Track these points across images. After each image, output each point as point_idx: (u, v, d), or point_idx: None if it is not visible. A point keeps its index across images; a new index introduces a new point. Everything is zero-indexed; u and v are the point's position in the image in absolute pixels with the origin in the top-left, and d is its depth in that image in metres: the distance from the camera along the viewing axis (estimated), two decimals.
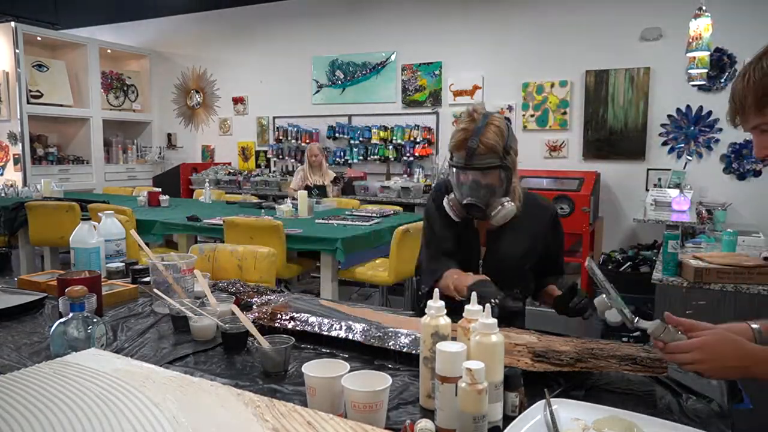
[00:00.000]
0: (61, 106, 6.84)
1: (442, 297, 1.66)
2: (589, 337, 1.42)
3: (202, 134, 7.60)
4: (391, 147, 6.20)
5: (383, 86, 6.30)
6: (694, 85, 4.72)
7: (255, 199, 5.27)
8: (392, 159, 6.22)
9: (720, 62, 4.75)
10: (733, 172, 4.85)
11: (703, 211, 4.06)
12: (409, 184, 5.63)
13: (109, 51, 7.44)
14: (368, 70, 6.37)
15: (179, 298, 1.56)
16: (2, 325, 1.55)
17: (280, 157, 6.90)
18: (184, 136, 7.75)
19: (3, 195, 5.54)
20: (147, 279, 1.87)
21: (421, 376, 1.09)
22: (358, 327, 1.41)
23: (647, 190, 4.97)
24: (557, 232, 1.83)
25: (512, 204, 1.66)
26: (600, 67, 5.24)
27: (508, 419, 0.98)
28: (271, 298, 1.69)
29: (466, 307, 1.09)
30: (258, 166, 7.10)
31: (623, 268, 4.38)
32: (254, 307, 1.60)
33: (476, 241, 1.77)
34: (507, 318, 1.61)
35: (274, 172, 6.75)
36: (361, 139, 6.32)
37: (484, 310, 1.02)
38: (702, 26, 3.37)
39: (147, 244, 1.81)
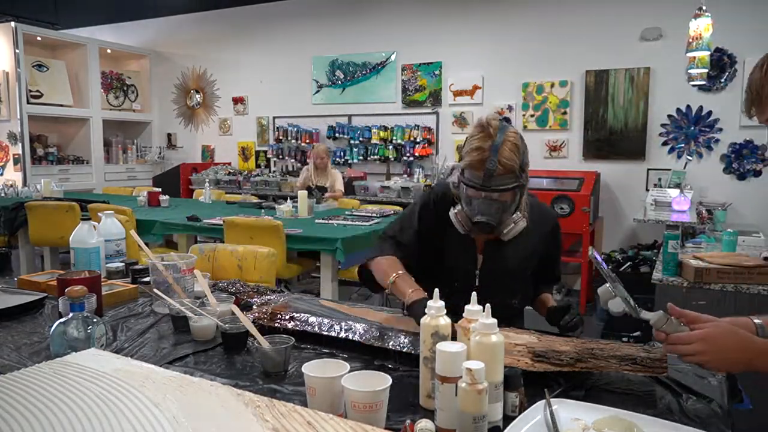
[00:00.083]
0: (61, 106, 6.85)
1: (369, 279, 1.73)
2: (589, 337, 1.42)
3: (202, 134, 7.60)
4: (391, 147, 6.20)
5: (383, 86, 6.30)
6: (694, 85, 4.72)
7: (255, 199, 5.28)
8: (392, 159, 6.22)
9: (720, 62, 4.75)
10: (733, 172, 4.85)
11: (703, 211, 4.06)
12: (409, 184, 5.63)
13: (109, 51, 7.44)
14: (368, 70, 6.37)
15: (179, 298, 1.56)
16: (2, 325, 1.55)
17: (280, 157, 6.90)
18: (184, 136, 7.75)
19: (3, 195, 5.54)
20: (147, 279, 1.87)
21: (421, 376, 1.09)
22: (358, 327, 1.41)
23: (647, 190, 4.97)
24: (557, 240, 1.80)
25: (523, 220, 1.60)
26: (600, 67, 5.24)
27: (508, 419, 0.98)
28: (271, 298, 1.69)
29: (467, 307, 1.09)
30: (258, 166, 7.10)
31: (623, 268, 4.38)
32: (254, 307, 1.60)
33: (473, 250, 1.69)
34: (507, 319, 1.60)
35: (274, 172, 6.75)
36: (361, 139, 6.32)
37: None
38: (702, 26, 3.37)
39: (147, 244, 1.81)
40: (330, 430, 0.77)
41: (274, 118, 6.98)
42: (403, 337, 1.35)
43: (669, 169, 4.99)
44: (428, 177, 5.84)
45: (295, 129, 6.73)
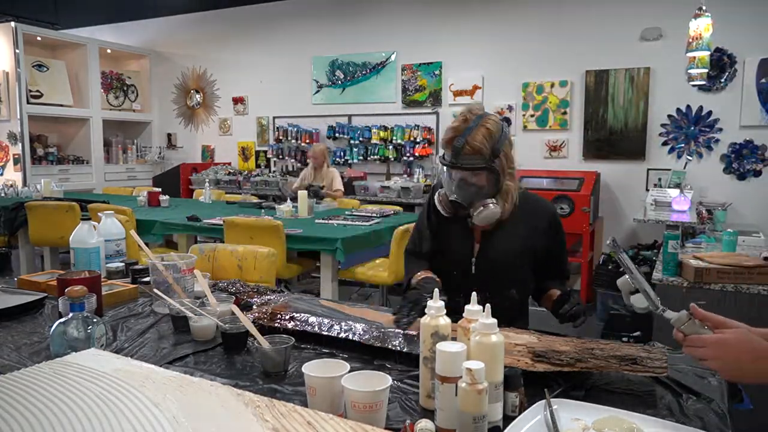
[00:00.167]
0: (61, 106, 6.85)
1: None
2: (589, 337, 1.42)
3: (202, 134, 7.60)
4: (391, 147, 6.20)
5: (383, 86, 6.30)
6: (694, 85, 4.72)
7: (255, 199, 5.28)
8: (392, 159, 6.22)
9: (720, 62, 4.75)
10: (733, 172, 4.85)
11: (703, 211, 4.06)
12: (409, 184, 5.63)
13: (109, 51, 7.44)
14: (368, 70, 6.37)
15: (179, 298, 1.56)
16: (2, 325, 1.55)
17: (280, 157, 6.90)
18: (184, 136, 7.75)
19: (3, 195, 5.54)
20: (147, 279, 1.87)
21: (421, 376, 1.09)
22: (358, 327, 1.41)
23: (647, 190, 4.97)
24: (558, 234, 1.80)
25: (496, 206, 1.63)
26: (600, 67, 5.24)
27: (508, 419, 0.98)
28: (271, 298, 1.69)
29: (467, 307, 1.09)
30: (258, 166, 7.10)
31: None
32: (254, 307, 1.60)
33: (470, 239, 1.76)
34: (507, 311, 1.61)
35: (274, 172, 6.75)
36: (361, 139, 6.32)
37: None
38: (702, 26, 3.37)
39: (147, 244, 1.81)
40: (330, 430, 0.77)
41: (274, 118, 6.98)
42: (403, 337, 1.35)
43: (669, 169, 4.99)
44: (428, 177, 5.84)
45: (295, 129, 6.73)
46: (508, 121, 5.67)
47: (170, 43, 7.67)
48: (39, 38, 6.73)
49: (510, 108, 5.65)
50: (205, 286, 1.59)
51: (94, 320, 1.26)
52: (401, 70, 6.18)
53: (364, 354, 1.34)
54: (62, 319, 1.24)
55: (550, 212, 1.80)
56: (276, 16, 6.83)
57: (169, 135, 7.85)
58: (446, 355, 0.96)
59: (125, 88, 7.77)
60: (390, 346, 1.32)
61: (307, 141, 6.60)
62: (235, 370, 1.27)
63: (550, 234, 1.76)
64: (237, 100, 7.24)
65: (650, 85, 5.08)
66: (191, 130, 7.68)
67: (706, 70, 3.77)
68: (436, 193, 1.73)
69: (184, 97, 7.64)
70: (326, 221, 3.90)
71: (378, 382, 0.97)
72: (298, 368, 1.16)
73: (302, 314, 1.49)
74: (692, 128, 4.97)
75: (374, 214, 4.15)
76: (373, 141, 6.25)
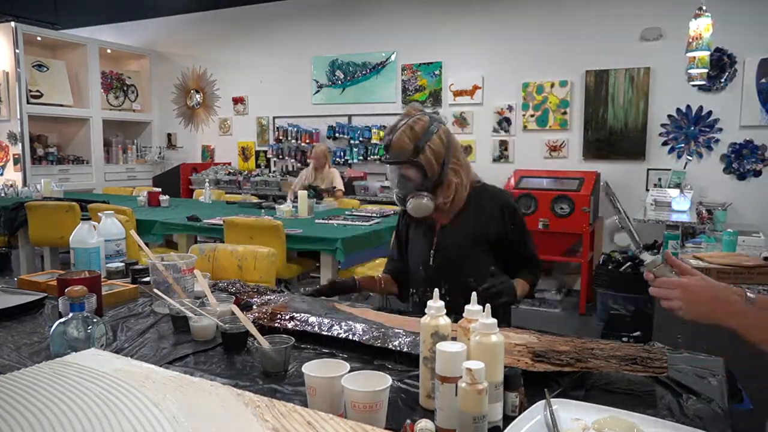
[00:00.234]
0: (61, 106, 6.85)
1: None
2: (589, 337, 1.42)
3: (202, 134, 7.60)
4: None
5: (383, 86, 6.30)
6: (694, 85, 4.72)
7: (255, 199, 5.28)
8: None
9: (720, 62, 4.75)
10: (733, 172, 4.85)
11: (703, 211, 4.06)
12: None
13: (109, 51, 7.44)
14: (368, 70, 6.37)
15: (179, 298, 1.56)
16: (2, 325, 1.55)
17: (280, 157, 6.90)
18: (184, 136, 7.75)
19: (3, 195, 5.54)
20: (147, 279, 1.87)
21: (421, 376, 1.09)
22: (359, 327, 1.41)
23: (647, 190, 4.97)
24: (514, 221, 1.86)
25: (429, 199, 1.77)
26: (600, 67, 5.24)
27: (508, 419, 0.98)
28: (271, 298, 1.69)
29: (467, 307, 1.09)
30: (258, 166, 7.10)
31: (623, 268, 4.38)
32: (254, 307, 1.60)
33: (430, 234, 1.89)
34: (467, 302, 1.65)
35: (274, 172, 6.76)
36: (361, 139, 6.32)
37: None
38: (702, 26, 3.37)
39: (147, 244, 1.81)
40: (330, 430, 0.77)
41: (274, 118, 6.98)
42: (403, 337, 1.35)
43: (669, 169, 4.99)
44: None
45: (295, 129, 6.73)
46: (507, 121, 5.67)
47: (170, 43, 7.67)
48: (39, 38, 6.73)
49: (510, 108, 5.65)
50: (205, 286, 1.59)
51: (94, 320, 1.26)
52: (401, 70, 6.18)
53: (364, 354, 1.34)
54: (62, 319, 1.24)
55: (503, 200, 1.88)
56: (276, 16, 6.83)
57: (169, 135, 7.85)
58: (446, 355, 0.96)
59: (125, 88, 7.77)
60: (390, 346, 1.32)
61: (307, 141, 6.61)
62: (235, 370, 1.27)
63: (503, 221, 1.84)
64: (237, 100, 7.24)
65: (650, 85, 5.08)
66: (191, 130, 7.68)
67: (706, 70, 3.78)
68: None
69: (184, 97, 7.64)
70: (326, 221, 3.90)
71: (378, 382, 0.97)
72: (298, 368, 1.16)
73: (302, 314, 1.49)
74: (692, 128, 4.97)
75: (374, 214, 4.15)
76: (373, 141, 6.25)
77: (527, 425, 0.95)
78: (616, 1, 5.17)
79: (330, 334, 1.41)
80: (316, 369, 1.04)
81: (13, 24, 6.26)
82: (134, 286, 1.88)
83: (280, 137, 6.83)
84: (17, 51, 6.27)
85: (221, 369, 1.28)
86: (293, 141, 6.75)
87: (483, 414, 0.90)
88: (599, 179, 5.12)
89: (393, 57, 6.23)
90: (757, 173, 4.78)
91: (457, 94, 5.91)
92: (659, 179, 4.96)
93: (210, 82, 7.42)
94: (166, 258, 1.71)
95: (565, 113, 5.43)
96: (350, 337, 1.38)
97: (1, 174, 6.48)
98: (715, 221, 3.81)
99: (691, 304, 1.12)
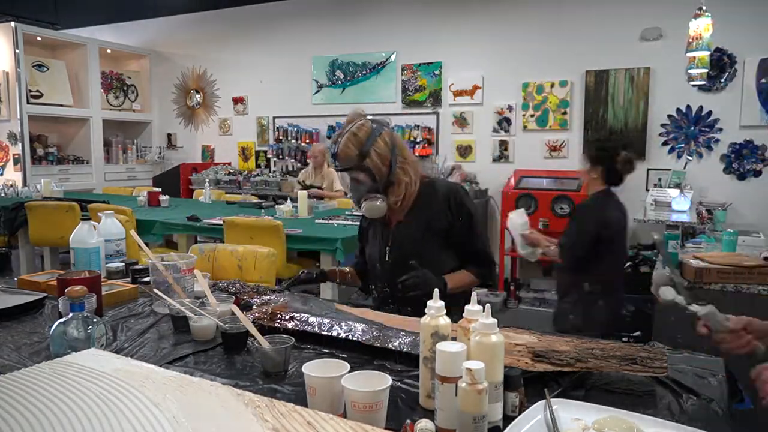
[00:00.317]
0: (61, 106, 6.84)
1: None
2: (589, 337, 1.41)
3: (202, 134, 7.59)
4: None
5: (383, 86, 6.30)
6: (694, 85, 4.72)
7: (255, 199, 5.27)
8: None
9: (720, 62, 4.75)
10: (733, 172, 4.85)
11: (703, 211, 4.06)
12: None
13: (109, 51, 7.44)
14: (368, 70, 6.37)
15: (179, 298, 1.56)
16: (2, 325, 1.55)
17: (280, 157, 6.90)
18: (184, 136, 7.75)
19: (3, 195, 5.54)
20: (147, 279, 1.87)
21: (421, 376, 1.09)
22: (359, 327, 1.41)
23: (647, 190, 4.97)
24: (460, 212, 1.87)
25: (382, 200, 1.83)
26: (600, 67, 5.24)
27: (508, 419, 0.98)
28: (271, 298, 1.69)
29: (467, 307, 1.09)
30: (258, 166, 7.10)
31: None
32: (254, 307, 1.60)
33: (386, 231, 1.96)
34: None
35: (274, 172, 6.75)
36: None
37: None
38: (702, 26, 3.37)
39: (147, 244, 1.81)
40: (330, 430, 0.77)
41: (274, 118, 6.98)
42: (403, 337, 1.35)
43: (669, 169, 4.99)
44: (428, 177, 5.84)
45: (295, 129, 6.73)
46: (507, 121, 5.67)
47: (170, 43, 7.67)
48: (39, 38, 6.72)
49: (510, 108, 5.65)
50: (205, 286, 1.59)
51: (94, 320, 1.26)
52: (401, 70, 6.18)
53: (364, 354, 1.34)
54: (62, 319, 1.24)
55: (449, 192, 1.91)
56: (276, 16, 6.83)
57: (169, 135, 7.85)
58: (446, 355, 0.96)
59: (125, 88, 7.77)
60: (390, 346, 1.32)
61: (307, 141, 6.60)
62: (235, 370, 1.27)
63: (450, 212, 1.88)
64: (237, 100, 7.24)
65: (650, 85, 5.08)
66: (191, 130, 7.67)
67: (706, 70, 3.77)
68: None
69: (184, 97, 7.64)
70: (326, 221, 3.90)
71: (378, 382, 0.97)
72: (298, 368, 1.16)
73: (302, 314, 1.49)
74: (692, 128, 4.97)
75: None
76: None
77: (527, 425, 0.95)
78: (616, 1, 5.17)
79: (330, 334, 1.41)
80: (316, 369, 1.04)
81: (13, 24, 6.25)
82: (134, 286, 1.88)
83: (280, 137, 6.83)
84: (17, 51, 6.27)
85: (221, 369, 1.28)
86: (293, 141, 6.75)
87: (483, 414, 0.90)
88: None
89: (393, 57, 6.22)
90: (757, 173, 4.78)
91: (457, 94, 5.91)
92: (659, 179, 4.96)
93: (210, 82, 7.42)
94: (166, 258, 1.71)
95: (565, 113, 5.43)
96: (350, 337, 1.38)
97: (1, 174, 6.48)
98: (715, 221, 3.81)
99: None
